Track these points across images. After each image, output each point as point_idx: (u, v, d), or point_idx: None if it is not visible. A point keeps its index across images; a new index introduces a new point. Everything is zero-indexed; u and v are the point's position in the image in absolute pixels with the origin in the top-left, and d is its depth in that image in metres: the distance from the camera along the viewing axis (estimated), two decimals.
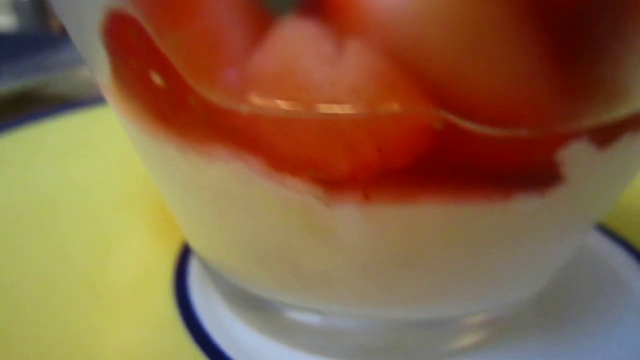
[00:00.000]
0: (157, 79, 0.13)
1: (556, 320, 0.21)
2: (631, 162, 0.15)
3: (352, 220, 0.14)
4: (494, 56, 0.11)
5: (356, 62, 0.12)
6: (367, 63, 0.11)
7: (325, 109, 0.12)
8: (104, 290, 0.21)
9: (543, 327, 0.20)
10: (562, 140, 0.13)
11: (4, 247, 0.22)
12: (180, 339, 0.19)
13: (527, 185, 0.14)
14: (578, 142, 0.13)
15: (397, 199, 0.13)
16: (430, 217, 0.14)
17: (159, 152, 0.16)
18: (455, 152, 0.13)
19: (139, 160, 0.18)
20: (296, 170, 0.13)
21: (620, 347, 0.19)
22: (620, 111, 0.13)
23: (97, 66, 0.16)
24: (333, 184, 0.13)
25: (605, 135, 0.13)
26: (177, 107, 0.14)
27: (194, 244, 0.20)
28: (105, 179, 0.28)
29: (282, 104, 0.12)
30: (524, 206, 0.14)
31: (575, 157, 0.13)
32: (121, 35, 0.14)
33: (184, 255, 0.23)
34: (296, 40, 0.12)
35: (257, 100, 0.12)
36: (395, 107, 0.12)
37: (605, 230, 0.25)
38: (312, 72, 0.12)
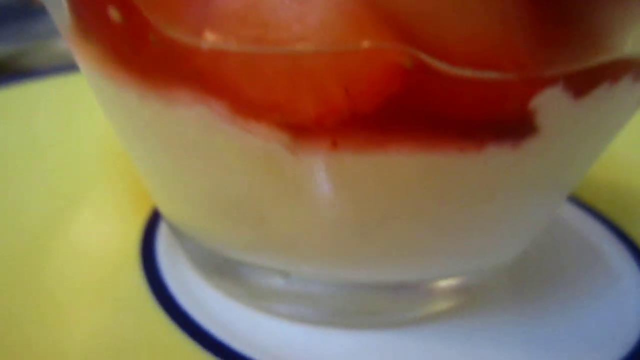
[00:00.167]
0: (115, 14, 0.13)
1: (530, 288, 0.20)
2: (608, 117, 0.15)
3: (319, 170, 0.14)
4: None
5: None
6: None
7: (291, 45, 0.12)
8: (68, 255, 0.20)
9: (517, 296, 0.20)
10: (536, 86, 0.12)
11: None
12: (147, 305, 0.18)
13: (501, 136, 0.13)
14: (552, 89, 0.12)
15: (366, 146, 0.13)
16: (400, 168, 0.13)
17: (121, 100, 0.15)
18: (425, 96, 0.12)
19: (111, 129, 0.17)
20: (261, 115, 0.13)
21: (593, 314, 0.19)
22: (597, 58, 0.13)
23: (58, 10, 0.15)
24: (300, 129, 0.13)
25: (581, 84, 0.13)
26: (137, 46, 0.13)
27: (161, 205, 0.19)
28: (73, 143, 0.27)
29: (245, 39, 0.12)
30: (498, 159, 0.14)
31: (550, 105, 0.13)
32: None
33: (153, 221, 0.22)
34: None
35: (218, 36, 0.12)
36: (364, 43, 0.11)
37: (578, 201, 0.25)
38: (278, 8, 0.11)
